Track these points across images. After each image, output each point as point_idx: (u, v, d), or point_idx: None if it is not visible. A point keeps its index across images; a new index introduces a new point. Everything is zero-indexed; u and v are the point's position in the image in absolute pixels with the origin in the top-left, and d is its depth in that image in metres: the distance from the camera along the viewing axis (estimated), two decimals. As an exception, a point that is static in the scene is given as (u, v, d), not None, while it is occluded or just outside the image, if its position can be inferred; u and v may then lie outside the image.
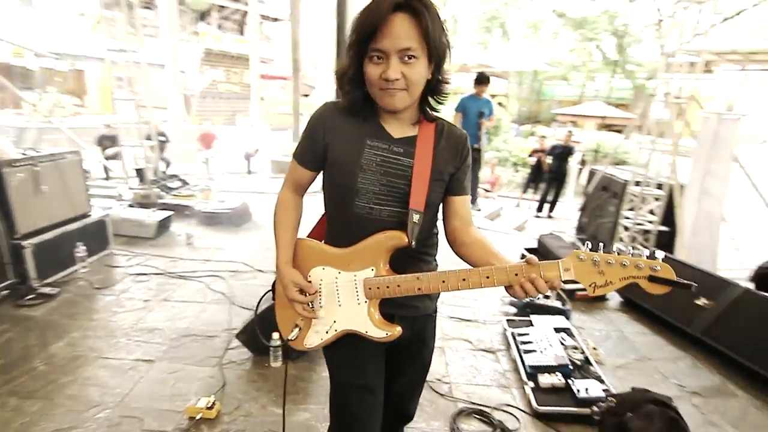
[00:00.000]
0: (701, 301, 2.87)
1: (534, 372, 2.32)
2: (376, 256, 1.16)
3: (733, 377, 2.52)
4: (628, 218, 4.93)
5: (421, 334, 1.32)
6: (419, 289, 1.11)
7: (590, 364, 2.42)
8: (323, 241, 1.28)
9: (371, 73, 1.03)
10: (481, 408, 2.14)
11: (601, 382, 2.25)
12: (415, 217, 1.15)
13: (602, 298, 3.47)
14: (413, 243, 1.14)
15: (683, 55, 4.43)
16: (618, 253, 0.96)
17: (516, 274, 1.00)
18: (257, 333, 2.37)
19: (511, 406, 2.18)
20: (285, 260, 1.22)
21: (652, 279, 0.94)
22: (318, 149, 1.17)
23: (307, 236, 1.31)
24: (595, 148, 12.01)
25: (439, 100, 1.17)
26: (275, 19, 19.38)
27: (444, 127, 1.19)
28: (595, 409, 1.86)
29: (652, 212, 4.75)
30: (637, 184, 4.86)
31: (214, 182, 7.01)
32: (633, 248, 0.97)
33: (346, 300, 1.19)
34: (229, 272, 3.53)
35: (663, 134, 4.83)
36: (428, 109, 1.18)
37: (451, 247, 1.27)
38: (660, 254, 0.96)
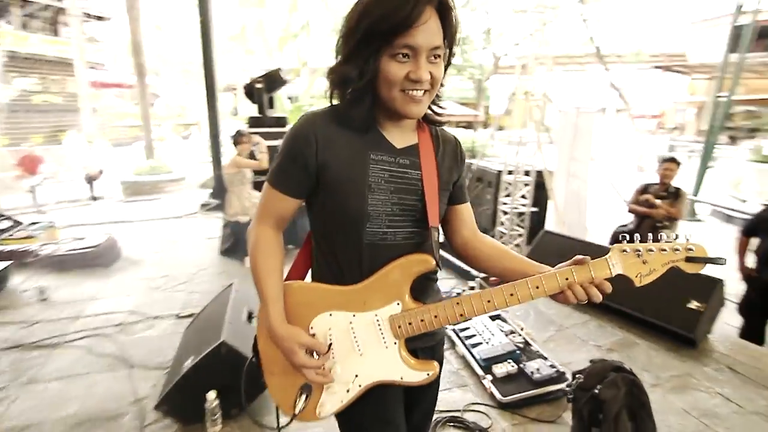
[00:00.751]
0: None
1: (488, 364, 2.37)
2: (400, 286, 0.98)
3: (632, 330, 2.95)
4: (505, 204, 5.52)
5: (438, 359, 1.19)
6: (461, 315, 0.97)
7: (529, 344, 2.58)
8: (313, 281, 1.07)
9: (395, 73, 0.87)
10: (452, 414, 2.10)
11: (545, 359, 2.41)
12: (435, 235, 1.02)
13: (510, 280, 3.77)
14: (439, 264, 1.02)
15: (509, 58, 5.15)
16: (654, 241, 0.98)
17: (567, 279, 0.94)
18: (184, 397, 1.95)
19: (478, 403, 2.19)
20: (279, 317, 0.97)
21: (689, 260, 0.96)
22: (309, 171, 0.95)
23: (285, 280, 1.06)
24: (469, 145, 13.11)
25: (439, 105, 1.04)
26: (100, 18, 16.71)
27: (437, 131, 1.08)
28: (566, 388, 1.98)
29: (524, 196, 5.39)
30: (510, 173, 5.48)
31: (48, 216, 5.67)
32: (668, 236, 0.99)
33: (368, 346, 0.99)
34: (113, 327, 2.86)
35: (502, 127, 5.55)
36: (429, 115, 1.04)
37: (464, 260, 1.16)
38: (690, 236, 1.00)
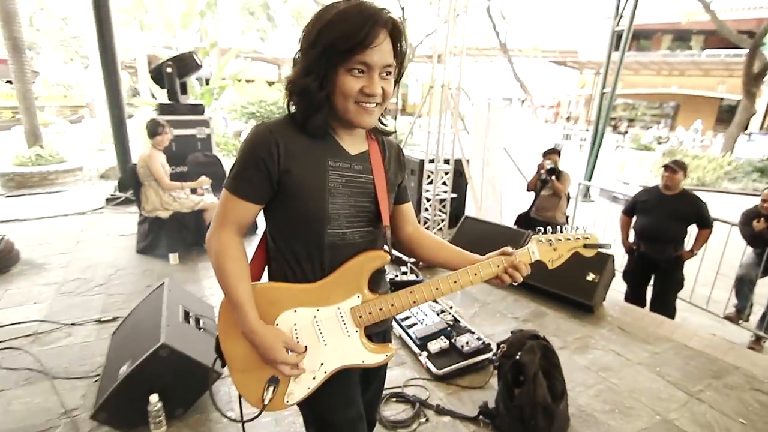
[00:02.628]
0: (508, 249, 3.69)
1: (423, 342, 2.58)
2: (359, 280, 1.11)
3: (542, 302, 3.37)
4: (428, 191, 5.84)
5: (388, 340, 1.33)
6: (414, 302, 1.13)
7: (458, 321, 2.84)
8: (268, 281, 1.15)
9: (351, 87, 0.96)
10: (394, 390, 2.27)
11: (472, 333, 2.68)
12: (388, 233, 1.15)
13: (436, 263, 4.04)
14: (393, 258, 1.16)
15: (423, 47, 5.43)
16: (561, 232, 1.22)
17: (498, 266, 1.13)
18: (123, 403, 1.87)
19: (417, 378, 2.39)
20: (256, 319, 1.04)
21: (586, 246, 1.23)
22: (270, 178, 1.01)
23: None
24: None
25: (385, 116, 1.16)
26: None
27: (383, 139, 1.20)
28: (492, 357, 2.24)
29: (444, 183, 5.75)
30: (431, 161, 5.79)
31: None
32: (569, 229, 1.24)
33: (332, 336, 1.10)
34: (23, 339, 2.59)
35: (421, 115, 5.88)
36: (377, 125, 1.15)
37: (408, 252, 1.32)
38: (587, 228, 1.26)
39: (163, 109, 4.84)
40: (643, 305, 3.82)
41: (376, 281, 1.16)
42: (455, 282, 1.12)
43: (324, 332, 1.09)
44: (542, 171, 4.39)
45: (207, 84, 10.89)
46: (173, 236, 3.75)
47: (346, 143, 1.08)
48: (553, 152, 4.43)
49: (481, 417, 2.10)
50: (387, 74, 0.99)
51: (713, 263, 3.88)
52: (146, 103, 11.19)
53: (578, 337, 2.91)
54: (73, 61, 19.33)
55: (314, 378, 1.10)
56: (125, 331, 2.36)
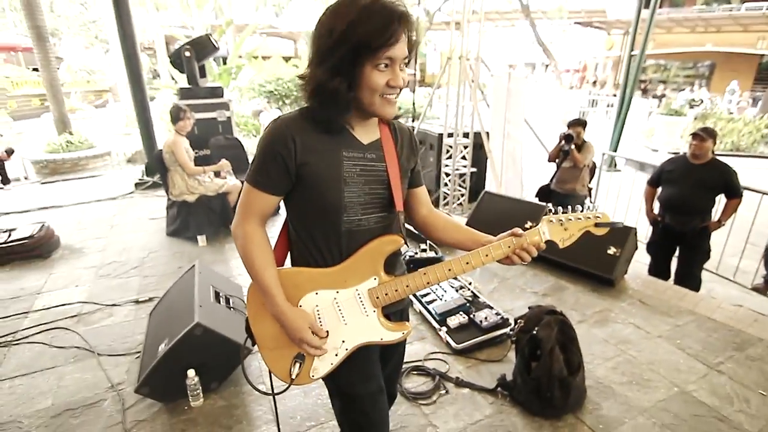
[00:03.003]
0: (528, 224, 3.68)
1: (443, 317, 2.65)
2: (375, 264, 1.18)
3: (562, 276, 3.38)
4: (447, 165, 5.81)
5: (406, 320, 1.40)
6: (428, 283, 1.19)
7: (477, 297, 2.90)
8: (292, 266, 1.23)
9: (378, 81, 1.00)
10: (415, 364, 2.37)
11: (491, 308, 2.74)
12: (401, 218, 1.20)
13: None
14: (407, 242, 1.21)
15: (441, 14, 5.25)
16: (572, 212, 1.23)
17: (509, 247, 1.17)
18: (163, 378, 2.03)
19: (437, 352, 2.48)
20: (285, 303, 1.13)
21: (597, 225, 1.24)
22: (288, 172, 1.07)
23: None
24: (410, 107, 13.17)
25: None
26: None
27: (395, 125, 1.23)
28: (509, 332, 2.30)
29: (464, 158, 5.70)
30: (450, 135, 5.73)
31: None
32: (580, 208, 1.26)
33: (351, 316, 1.18)
34: (69, 319, 2.79)
35: (440, 86, 5.75)
36: None
37: (424, 234, 1.36)
38: (597, 208, 1.27)
39: (183, 93, 4.93)
40: (667, 278, 3.77)
41: (391, 264, 1.22)
42: (467, 263, 1.17)
43: (344, 312, 1.17)
44: (562, 141, 4.30)
45: (224, 63, 10.91)
46: (200, 219, 3.90)
47: (359, 134, 1.13)
48: (578, 123, 4.32)
49: (499, 389, 2.18)
50: (405, 65, 1.03)
51: (742, 232, 3.78)
52: (167, 87, 11.35)
53: (598, 311, 2.93)
54: (93, 46, 19.60)
55: (336, 355, 1.18)
56: (161, 312, 2.52)
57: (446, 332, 2.56)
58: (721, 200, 3.51)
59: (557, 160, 4.50)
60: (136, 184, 5.73)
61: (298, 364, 1.17)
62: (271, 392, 1.28)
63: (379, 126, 1.18)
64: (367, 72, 0.98)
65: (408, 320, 1.39)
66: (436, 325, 2.64)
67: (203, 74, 5.12)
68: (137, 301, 3.00)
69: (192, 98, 4.85)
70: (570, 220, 1.21)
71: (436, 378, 2.26)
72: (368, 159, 1.13)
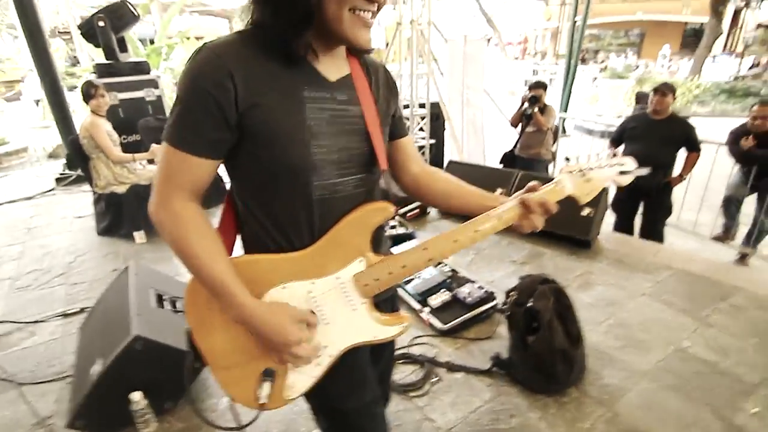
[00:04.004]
0: (498, 191, 3.51)
1: (423, 297, 2.42)
2: (360, 241, 0.89)
3: (537, 242, 3.24)
4: (405, 138, 5.56)
5: (396, 308, 1.13)
6: (429, 260, 0.91)
7: (456, 272, 2.69)
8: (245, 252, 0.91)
9: None
10: (400, 351, 2.13)
11: (473, 282, 2.54)
12: (387, 178, 0.93)
13: (424, 212, 3.85)
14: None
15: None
16: (588, 161, 1.01)
17: (525, 206, 0.91)
18: (102, 406, 1.65)
19: (421, 336, 2.25)
20: (249, 298, 0.81)
21: (622, 173, 1.02)
22: (229, 122, 0.74)
23: None
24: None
25: None
26: None
27: (365, 58, 0.93)
28: (503, 307, 2.10)
29: (422, 129, 5.46)
30: (405, 107, 5.46)
31: None
32: (601, 155, 1.04)
33: (334, 313, 0.89)
34: (-25, 343, 2.30)
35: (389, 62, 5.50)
36: None
37: (416, 196, 1.08)
38: (619, 153, 1.05)
39: (101, 70, 4.27)
40: (631, 234, 3.78)
41: (377, 240, 0.93)
42: (476, 231, 0.90)
43: (323, 309, 0.88)
44: (525, 104, 4.17)
45: (152, 44, 9.93)
46: (134, 212, 3.38)
47: (324, 67, 0.81)
48: (539, 86, 4.22)
49: (495, 369, 1.99)
50: None
51: (697, 188, 3.84)
52: (87, 70, 10.20)
53: (579, 275, 2.82)
54: (-1, 33, 17.36)
55: (318, 364, 0.90)
56: (93, 324, 2.10)
57: (429, 312, 2.34)
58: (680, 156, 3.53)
59: (520, 125, 4.38)
60: (57, 180, 5.01)
61: (267, 383, 0.87)
62: (237, 427, 0.92)
63: (348, 59, 0.87)
64: None
65: (399, 309, 1.12)
66: (417, 306, 2.41)
67: (123, 48, 4.46)
68: (65, 315, 2.53)
69: (112, 75, 4.22)
70: (592, 169, 0.98)
71: (426, 365, 2.04)
72: (338, 101, 0.82)
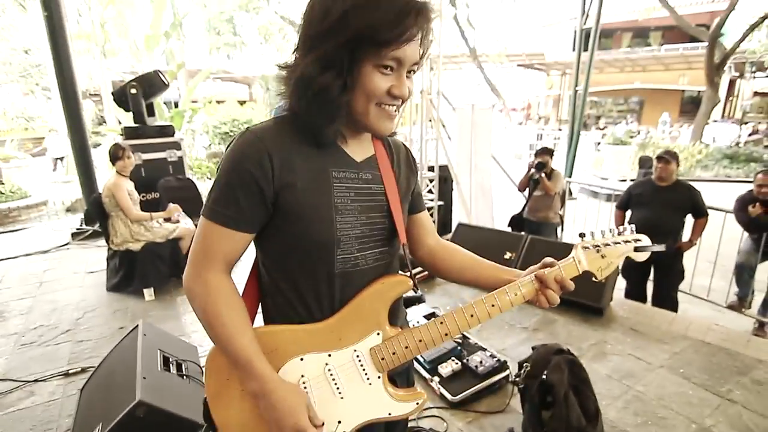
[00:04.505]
0: (507, 255, 3.53)
1: (433, 365, 2.36)
2: (378, 314, 0.91)
3: (549, 309, 3.19)
4: (414, 200, 5.69)
5: (412, 382, 1.11)
6: (446, 334, 0.92)
7: (467, 338, 2.63)
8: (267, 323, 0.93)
9: (379, 86, 0.77)
10: (409, 424, 2.03)
11: (484, 350, 2.48)
12: (406, 252, 0.96)
13: (431, 276, 3.84)
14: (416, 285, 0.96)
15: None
16: (603, 236, 1.03)
17: (541, 282, 0.93)
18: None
19: (430, 407, 2.16)
20: (273, 374, 0.82)
21: (637, 249, 1.04)
22: (265, 201, 0.80)
23: None
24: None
25: None
26: None
27: (388, 140, 1.01)
28: (516, 379, 2.04)
29: (431, 191, 5.59)
30: (415, 169, 5.66)
31: None
32: (616, 231, 1.06)
33: (349, 387, 0.89)
34: (-26, 403, 2.25)
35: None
36: None
37: (430, 269, 1.11)
38: (633, 228, 1.08)
39: (128, 133, 4.53)
40: (644, 301, 3.71)
41: (394, 312, 0.95)
42: (493, 306, 0.92)
43: (339, 383, 0.88)
44: (532, 169, 4.28)
45: (176, 107, 10.54)
46: (147, 269, 3.43)
47: (351, 148, 0.89)
48: (545, 152, 4.35)
49: (508, 446, 1.89)
50: (411, 72, 0.82)
51: (708, 253, 3.81)
52: (112, 130, 10.76)
53: (593, 344, 2.74)
54: (33, 93, 18.59)
55: None
56: (96, 386, 2.06)
57: (439, 383, 2.26)
58: (688, 222, 3.55)
59: (527, 190, 4.47)
60: (73, 234, 5.12)
61: None
62: None
63: (372, 141, 0.95)
64: (367, 71, 0.76)
65: (414, 384, 1.11)
66: (427, 375, 2.34)
67: (152, 113, 4.76)
68: (67, 374, 2.49)
69: (138, 137, 4.45)
70: (608, 245, 1.00)
71: (435, 440, 1.95)
72: (363, 180, 0.89)
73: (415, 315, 2.84)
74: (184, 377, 1.99)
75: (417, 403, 0.94)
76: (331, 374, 0.88)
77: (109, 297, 3.53)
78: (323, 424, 0.85)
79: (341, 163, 0.86)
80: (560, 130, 16.41)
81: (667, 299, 3.68)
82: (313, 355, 0.87)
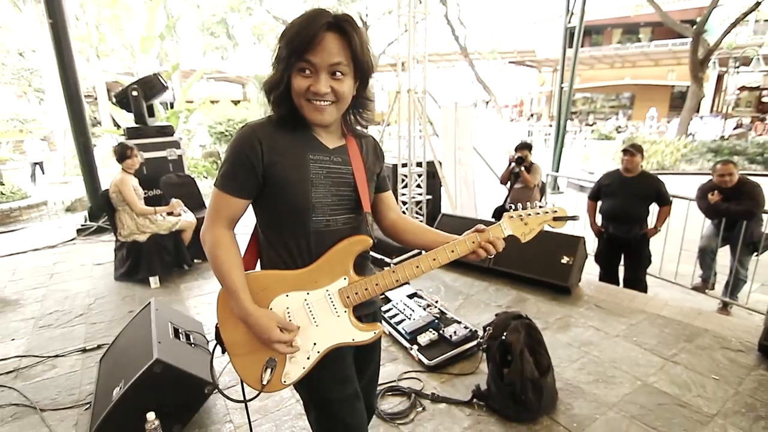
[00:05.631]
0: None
1: (413, 336, 2.65)
2: (345, 264, 1.20)
3: (522, 288, 3.50)
4: (403, 194, 5.95)
5: (377, 321, 1.40)
6: (397, 281, 1.21)
7: (445, 313, 2.92)
8: (261, 269, 1.23)
9: (299, 85, 1.05)
10: (390, 384, 2.33)
11: (459, 323, 2.77)
12: (369, 219, 1.25)
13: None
14: (375, 242, 1.25)
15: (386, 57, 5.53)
16: (526, 209, 1.32)
17: (473, 242, 1.22)
18: (119, 425, 1.86)
19: (410, 371, 2.45)
20: (251, 302, 1.12)
21: (556, 219, 1.33)
22: (256, 174, 1.10)
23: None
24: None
25: (363, 116, 1.22)
26: None
27: (359, 134, 1.29)
28: (480, 341, 2.32)
29: (419, 185, 5.88)
30: (404, 165, 5.92)
31: None
32: (539, 204, 1.35)
33: (322, 317, 1.18)
34: (4, 376, 2.51)
35: (389, 123, 6.06)
36: (352, 123, 1.22)
37: (392, 237, 1.40)
38: (555, 203, 1.36)
39: (130, 133, 4.78)
40: (617, 283, 4.01)
41: (361, 266, 1.23)
42: (434, 259, 1.20)
43: (315, 314, 1.17)
44: (512, 163, 4.58)
45: (171, 108, 10.74)
46: (152, 259, 3.71)
47: (324, 138, 1.17)
48: (524, 147, 4.64)
49: (474, 400, 2.18)
50: (338, 73, 1.06)
51: (676, 240, 4.12)
52: (109, 131, 10.96)
53: (559, 318, 3.04)
54: (26, 95, 18.70)
55: (308, 358, 1.17)
56: (114, 355, 2.34)
57: (417, 350, 2.55)
58: (653, 210, 3.85)
59: (508, 182, 4.77)
60: (78, 230, 5.38)
61: (269, 370, 1.15)
62: (243, 400, 1.23)
63: (345, 137, 1.23)
64: (293, 76, 1.05)
65: (381, 322, 1.39)
66: (407, 344, 2.63)
67: (152, 114, 5.01)
68: (84, 350, 2.76)
69: (140, 137, 4.71)
70: (529, 215, 1.28)
71: (412, 396, 2.23)
72: (334, 162, 1.17)
73: (399, 295, 3.13)
74: (192, 345, 2.27)
75: (374, 333, 1.22)
76: (309, 307, 1.16)
77: (118, 285, 3.80)
78: (298, 329, 1.14)
79: (316, 149, 1.15)
80: (551, 126, 16.71)
81: (636, 282, 3.98)
82: (295, 293, 1.16)
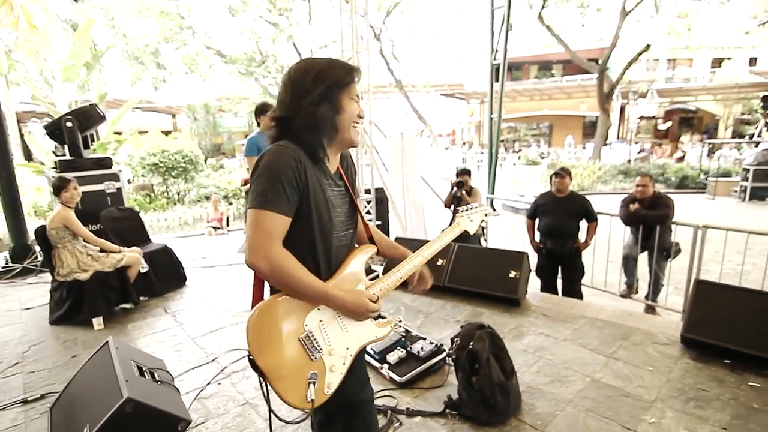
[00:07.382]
0: (439, 262, 4.03)
1: (382, 355, 2.72)
2: (360, 273, 1.35)
3: (476, 303, 3.71)
4: (353, 220, 6.10)
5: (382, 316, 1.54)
6: (400, 278, 1.40)
7: (410, 332, 3.04)
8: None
9: (354, 109, 1.22)
10: (364, 404, 2.37)
11: (424, 339, 2.90)
12: (371, 227, 1.46)
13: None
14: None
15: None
16: (470, 209, 1.64)
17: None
18: None
19: (383, 390, 2.52)
20: (342, 292, 1.20)
21: (487, 214, 1.70)
22: (300, 192, 1.16)
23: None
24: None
25: None
26: None
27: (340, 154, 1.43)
28: (449, 352, 2.45)
29: (369, 212, 6.05)
30: (353, 192, 6.09)
31: None
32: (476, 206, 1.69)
33: (350, 323, 1.28)
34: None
35: None
36: None
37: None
38: (488, 204, 1.64)
39: (64, 165, 4.48)
40: (555, 294, 4.39)
41: (367, 270, 1.39)
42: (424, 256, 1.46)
43: (344, 321, 1.26)
44: (454, 188, 4.91)
45: (97, 139, 10.11)
46: (96, 299, 3.46)
47: (330, 165, 1.30)
48: (464, 172, 5.02)
49: (447, 410, 2.29)
50: None
51: (603, 252, 4.61)
52: (23, 165, 10.05)
53: (513, 327, 3.27)
54: None
55: (344, 363, 1.25)
56: (70, 401, 2.16)
57: (388, 368, 2.63)
58: (583, 227, 4.32)
59: (452, 205, 5.08)
60: (0, 273, 4.86)
61: (312, 385, 1.14)
62: (293, 421, 1.36)
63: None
64: (345, 101, 1.19)
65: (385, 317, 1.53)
66: (377, 364, 2.70)
67: (87, 145, 4.75)
68: (26, 401, 2.51)
69: (75, 170, 4.43)
70: (472, 212, 1.64)
71: (388, 413, 2.30)
72: (338, 185, 1.31)
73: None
74: (159, 382, 2.17)
75: (392, 326, 1.38)
76: (338, 316, 1.25)
77: (54, 330, 3.49)
78: (378, 299, 1.27)
79: (326, 174, 1.27)
80: (482, 153, 17.85)
81: (572, 291, 4.40)
82: (325, 306, 1.22)
